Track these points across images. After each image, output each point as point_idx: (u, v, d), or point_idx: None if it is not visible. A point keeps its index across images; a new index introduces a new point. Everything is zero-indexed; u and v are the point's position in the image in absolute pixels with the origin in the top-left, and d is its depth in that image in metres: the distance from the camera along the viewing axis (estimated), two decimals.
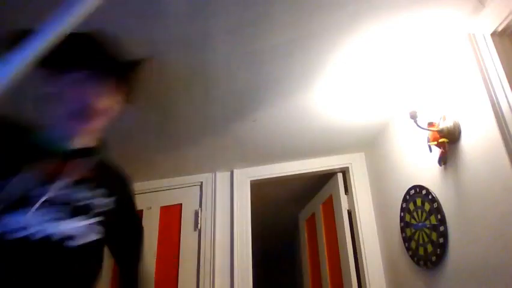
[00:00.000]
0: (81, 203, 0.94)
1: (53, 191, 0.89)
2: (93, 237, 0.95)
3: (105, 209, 1.00)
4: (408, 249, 2.14)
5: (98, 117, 0.97)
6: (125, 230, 1.19)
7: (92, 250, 0.97)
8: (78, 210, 0.93)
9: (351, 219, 2.76)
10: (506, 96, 1.47)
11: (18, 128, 0.96)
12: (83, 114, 0.94)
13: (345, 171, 2.91)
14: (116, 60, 0.99)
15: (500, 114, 1.49)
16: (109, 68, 0.97)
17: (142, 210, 2.86)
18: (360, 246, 2.62)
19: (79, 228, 0.91)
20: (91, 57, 0.96)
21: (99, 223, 0.97)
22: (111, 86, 0.98)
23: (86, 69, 0.94)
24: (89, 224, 0.94)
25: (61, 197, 0.90)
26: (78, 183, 0.95)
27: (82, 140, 0.99)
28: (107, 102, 0.97)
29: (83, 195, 0.95)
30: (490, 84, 1.54)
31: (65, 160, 0.94)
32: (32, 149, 0.93)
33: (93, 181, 0.98)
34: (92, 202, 0.96)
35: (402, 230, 2.19)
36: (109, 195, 1.01)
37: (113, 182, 1.10)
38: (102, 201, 0.99)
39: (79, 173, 0.95)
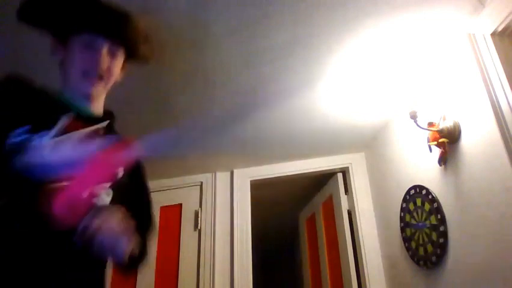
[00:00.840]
0: None
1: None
2: (107, 200, 0.96)
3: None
4: (408, 249, 2.14)
5: (104, 78, 1.02)
6: (135, 196, 1.15)
7: None
8: None
9: (351, 219, 2.76)
10: (506, 96, 1.47)
11: (38, 89, 0.99)
12: (91, 74, 1.00)
13: (345, 171, 2.91)
14: (111, 17, 1.04)
15: (500, 114, 1.49)
16: (106, 27, 1.02)
17: None
18: (360, 246, 2.62)
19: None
20: (89, 17, 1.01)
21: (110, 187, 0.98)
22: (111, 45, 1.03)
23: (87, 31, 1.00)
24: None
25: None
26: None
27: (93, 106, 1.04)
28: (110, 62, 1.02)
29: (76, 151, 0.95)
30: (490, 84, 1.54)
31: (85, 123, 0.98)
32: (58, 107, 0.97)
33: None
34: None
35: (402, 230, 2.19)
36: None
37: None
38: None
39: (97, 137, 0.98)
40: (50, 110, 0.95)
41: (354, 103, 2.19)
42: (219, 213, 2.84)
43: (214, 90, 1.99)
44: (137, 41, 1.09)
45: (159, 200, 2.93)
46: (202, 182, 2.96)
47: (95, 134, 0.98)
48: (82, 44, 1.00)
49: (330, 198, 3.03)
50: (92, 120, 1.01)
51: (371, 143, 2.71)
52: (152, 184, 3.31)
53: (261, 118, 2.28)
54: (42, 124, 0.89)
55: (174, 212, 2.90)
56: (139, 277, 2.64)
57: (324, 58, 1.80)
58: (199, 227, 2.80)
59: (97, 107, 1.07)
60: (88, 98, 1.03)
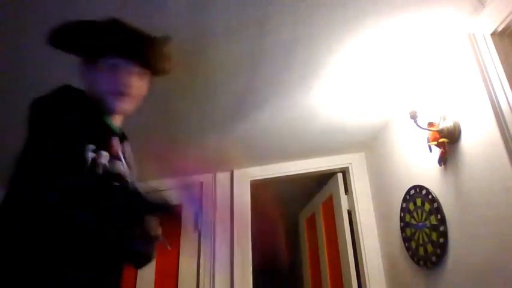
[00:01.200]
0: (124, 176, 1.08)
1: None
2: None
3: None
4: (408, 249, 2.14)
5: (132, 97, 1.10)
6: None
7: None
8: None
9: (351, 219, 2.76)
10: (506, 96, 1.47)
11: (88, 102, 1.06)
12: (120, 93, 1.07)
13: (345, 171, 2.91)
14: (139, 41, 1.11)
15: (500, 114, 1.49)
16: (134, 50, 1.10)
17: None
18: (360, 246, 2.62)
19: None
20: (118, 41, 1.08)
21: None
22: (138, 66, 1.10)
23: (116, 53, 1.07)
24: None
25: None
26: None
27: (117, 121, 1.13)
28: (137, 80, 1.10)
29: (123, 169, 1.08)
30: (490, 84, 1.54)
31: (115, 137, 1.08)
32: (102, 125, 1.07)
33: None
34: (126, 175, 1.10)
35: (402, 230, 2.19)
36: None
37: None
38: (131, 177, 1.15)
39: (122, 150, 1.10)
40: (101, 128, 1.05)
41: (354, 103, 2.19)
42: (219, 213, 2.84)
43: (214, 90, 1.99)
44: (160, 61, 1.18)
45: None
46: (202, 182, 2.96)
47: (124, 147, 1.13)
48: (111, 66, 1.06)
49: (330, 198, 3.03)
50: (118, 133, 1.12)
51: (371, 143, 2.71)
52: (152, 184, 3.31)
53: (261, 118, 2.28)
54: (100, 143, 0.98)
55: None
56: (139, 277, 2.64)
57: (324, 58, 1.80)
58: (199, 227, 2.80)
59: (119, 122, 1.16)
60: (116, 113, 1.11)
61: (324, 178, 3.09)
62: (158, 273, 2.68)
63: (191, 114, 2.20)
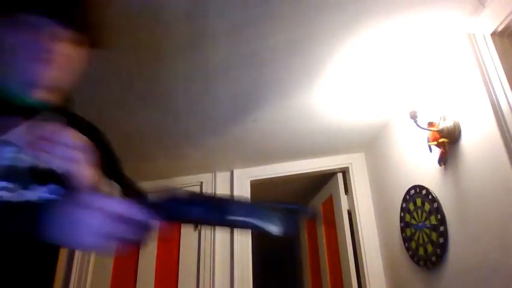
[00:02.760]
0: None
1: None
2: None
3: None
4: (408, 249, 2.14)
5: (59, 64, 0.84)
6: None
7: None
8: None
9: (351, 219, 2.76)
10: (506, 96, 1.47)
11: None
12: (41, 57, 0.82)
13: (345, 171, 2.91)
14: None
15: (500, 114, 1.49)
16: (63, 8, 0.86)
17: None
18: (360, 246, 2.62)
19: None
20: None
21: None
22: (67, 30, 0.85)
23: (37, 10, 0.82)
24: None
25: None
26: None
27: (45, 95, 0.85)
28: (66, 47, 0.85)
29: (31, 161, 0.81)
30: (490, 84, 1.54)
31: (28, 117, 0.82)
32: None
33: None
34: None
35: (402, 230, 2.19)
36: None
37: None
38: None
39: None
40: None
41: (354, 103, 2.19)
42: None
43: (214, 90, 1.99)
44: (96, 27, 0.92)
45: None
46: (202, 182, 2.96)
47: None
48: (30, 27, 0.83)
49: (330, 198, 3.03)
50: (41, 110, 0.86)
51: (371, 143, 2.71)
52: (152, 184, 3.31)
53: (261, 118, 2.28)
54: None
55: None
56: (139, 277, 2.64)
57: (325, 58, 1.80)
58: (199, 227, 2.80)
59: (49, 97, 0.87)
60: (36, 83, 0.84)
61: (324, 178, 3.09)
62: (159, 273, 2.68)
63: (191, 114, 2.20)
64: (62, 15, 0.85)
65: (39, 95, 0.84)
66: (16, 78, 0.83)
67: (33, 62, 0.82)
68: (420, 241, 2.01)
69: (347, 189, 2.86)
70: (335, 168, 2.93)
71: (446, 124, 1.78)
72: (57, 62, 0.84)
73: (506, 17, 1.47)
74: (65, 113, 0.91)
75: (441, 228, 1.83)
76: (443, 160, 1.84)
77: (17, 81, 0.83)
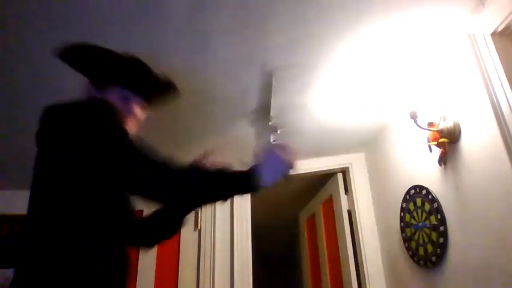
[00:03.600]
0: None
1: None
2: None
3: None
4: (408, 249, 2.14)
5: (134, 122, 1.20)
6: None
7: None
8: None
9: (351, 219, 2.76)
10: (506, 96, 1.47)
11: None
12: (128, 117, 1.17)
13: (345, 171, 2.91)
14: (154, 85, 1.25)
15: (500, 114, 1.49)
16: (149, 91, 1.23)
17: (142, 211, 2.85)
18: (360, 246, 2.62)
19: None
20: (136, 78, 1.19)
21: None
22: (146, 102, 1.24)
23: (131, 88, 1.18)
24: None
25: None
26: None
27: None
28: (141, 112, 1.22)
29: None
30: (490, 84, 1.54)
31: None
32: None
33: None
34: None
35: (402, 230, 2.19)
36: None
37: None
38: None
39: None
40: None
41: (354, 103, 2.19)
42: (219, 213, 2.84)
43: (213, 90, 1.99)
44: (164, 103, 1.36)
45: None
46: None
47: None
48: (122, 96, 1.16)
49: (330, 198, 3.03)
50: None
51: (371, 143, 2.71)
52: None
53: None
54: None
55: None
56: (139, 277, 2.64)
57: (324, 58, 1.80)
58: (199, 227, 2.80)
59: None
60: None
61: (324, 178, 3.09)
62: (159, 273, 2.68)
63: (191, 114, 2.19)
64: (148, 96, 1.23)
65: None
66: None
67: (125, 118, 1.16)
68: (420, 241, 2.01)
69: (347, 189, 2.86)
70: (335, 168, 2.93)
71: (446, 124, 1.78)
72: (135, 120, 1.20)
73: (506, 17, 1.47)
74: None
75: (441, 228, 1.83)
76: (443, 160, 1.84)
77: None
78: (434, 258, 1.89)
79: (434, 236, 1.89)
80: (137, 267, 2.68)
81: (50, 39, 1.48)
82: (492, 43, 1.55)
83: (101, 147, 0.92)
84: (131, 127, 1.18)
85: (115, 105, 1.14)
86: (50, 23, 1.48)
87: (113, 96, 1.15)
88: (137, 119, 1.20)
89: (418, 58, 1.84)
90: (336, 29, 1.62)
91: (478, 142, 1.62)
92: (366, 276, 2.52)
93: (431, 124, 1.83)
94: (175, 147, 2.56)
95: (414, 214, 2.08)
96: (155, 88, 1.27)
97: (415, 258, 2.06)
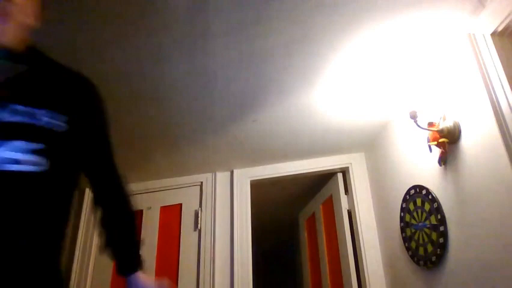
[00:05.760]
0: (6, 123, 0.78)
1: None
2: (31, 168, 0.80)
3: (49, 132, 0.83)
4: (408, 249, 2.14)
5: (13, 13, 0.84)
6: (95, 160, 1.06)
7: (34, 184, 0.83)
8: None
9: (351, 219, 2.76)
10: (506, 96, 1.47)
11: None
12: None
13: (345, 171, 2.91)
14: None
15: (500, 114, 1.49)
16: None
17: (142, 211, 2.86)
18: (360, 246, 2.62)
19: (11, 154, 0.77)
20: None
21: (40, 151, 0.81)
22: None
23: None
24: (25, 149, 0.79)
25: None
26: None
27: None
28: None
29: (8, 113, 0.79)
30: (490, 84, 1.54)
31: None
32: None
33: (26, 95, 0.83)
34: (24, 122, 0.80)
35: (402, 230, 2.19)
36: (56, 113, 0.86)
37: (65, 94, 0.92)
38: (41, 121, 0.83)
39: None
40: None
41: (354, 103, 2.19)
42: (219, 213, 2.84)
43: (214, 90, 1.99)
44: None
45: (159, 200, 2.94)
46: (202, 182, 2.96)
47: None
48: None
49: (330, 198, 3.03)
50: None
51: (371, 143, 2.71)
52: (152, 184, 3.31)
53: (261, 118, 2.28)
54: None
55: (174, 212, 2.90)
56: None
57: (324, 58, 1.80)
58: (199, 227, 2.80)
59: (6, 42, 0.85)
60: None
61: (324, 178, 3.09)
62: (159, 273, 2.68)
63: (191, 114, 2.19)
64: None
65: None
66: None
67: None
68: (420, 241, 2.01)
69: (347, 189, 2.86)
70: (335, 168, 2.93)
71: (446, 124, 1.78)
72: (12, 13, 0.82)
73: (506, 17, 1.47)
74: (30, 59, 0.89)
75: (441, 228, 1.83)
76: (443, 160, 1.84)
77: None
78: (434, 258, 1.89)
79: (434, 236, 1.89)
80: None
81: None
82: (492, 43, 1.55)
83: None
84: (8, 15, 0.84)
85: None
86: None
87: None
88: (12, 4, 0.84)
89: (418, 58, 1.84)
90: (335, 30, 1.62)
91: (478, 142, 1.62)
92: (366, 276, 2.52)
93: (431, 124, 1.83)
94: (175, 148, 2.57)
95: (414, 214, 2.08)
96: None
97: (415, 258, 2.06)
